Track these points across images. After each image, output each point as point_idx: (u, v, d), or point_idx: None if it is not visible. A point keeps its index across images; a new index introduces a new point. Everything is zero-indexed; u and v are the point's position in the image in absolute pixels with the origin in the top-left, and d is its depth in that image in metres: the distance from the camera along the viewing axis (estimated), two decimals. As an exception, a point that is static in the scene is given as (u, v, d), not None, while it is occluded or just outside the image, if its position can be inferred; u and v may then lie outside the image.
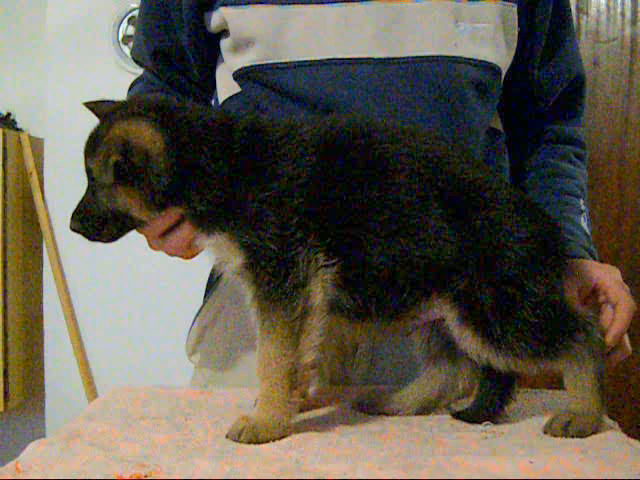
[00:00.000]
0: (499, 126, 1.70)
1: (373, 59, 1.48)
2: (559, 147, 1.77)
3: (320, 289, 1.22)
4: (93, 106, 1.35)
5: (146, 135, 1.21)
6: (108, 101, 1.35)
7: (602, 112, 3.34)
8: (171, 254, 1.39)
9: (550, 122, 1.78)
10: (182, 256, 1.40)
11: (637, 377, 3.31)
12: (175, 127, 1.24)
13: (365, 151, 1.28)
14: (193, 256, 1.40)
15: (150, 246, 1.40)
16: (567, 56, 1.73)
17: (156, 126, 1.22)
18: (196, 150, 1.24)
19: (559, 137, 1.78)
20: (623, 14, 3.33)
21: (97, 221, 1.28)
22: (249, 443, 1.17)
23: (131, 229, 1.31)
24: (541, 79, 1.71)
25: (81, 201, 1.30)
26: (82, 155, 1.28)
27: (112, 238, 1.31)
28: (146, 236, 1.37)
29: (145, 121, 1.22)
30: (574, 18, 3.23)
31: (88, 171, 1.28)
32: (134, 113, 1.25)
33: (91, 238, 1.31)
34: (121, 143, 1.19)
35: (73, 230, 1.30)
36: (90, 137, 1.28)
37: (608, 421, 1.31)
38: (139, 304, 3.52)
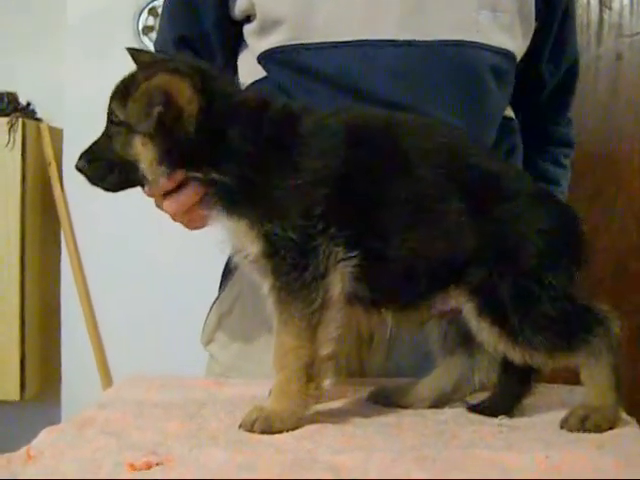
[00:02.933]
0: (511, 114, 1.71)
1: (398, 41, 1.48)
2: (550, 149, 1.83)
3: (339, 281, 1.21)
4: (134, 53, 1.35)
5: (185, 94, 1.20)
6: (150, 52, 1.35)
7: (625, 107, 3.31)
8: (173, 217, 1.37)
9: (543, 118, 1.82)
10: (185, 224, 1.39)
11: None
12: (212, 95, 1.24)
13: (387, 144, 1.27)
14: (197, 227, 1.38)
15: (158, 206, 1.38)
16: (572, 46, 1.77)
17: (196, 89, 1.22)
18: (227, 123, 1.24)
19: (552, 138, 1.83)
20: (647, 8, 3.29)
21: (105, 165, 1.27)
22: (262, 433, 1.17)
23: (134, 184, 1.29)
24: (545, 70, 1.73)
25: (94, 143, 1.29)
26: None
27: (113, 187, 1.30)
28: (153, 196, 1.36)
29: (187, 81, 1.21)
30: (597, 12, 3.26)
31: (110, 114, 1.26)
32: (178, 70, 1.23)
33: (94, 182, 1.29)
34: (163, 94, 1.19)
35: (78, 169, 1.29)
36: (123, 81, 1.26)
37: (625, 417, 1.29)
38: (156, 294, 3.52)
